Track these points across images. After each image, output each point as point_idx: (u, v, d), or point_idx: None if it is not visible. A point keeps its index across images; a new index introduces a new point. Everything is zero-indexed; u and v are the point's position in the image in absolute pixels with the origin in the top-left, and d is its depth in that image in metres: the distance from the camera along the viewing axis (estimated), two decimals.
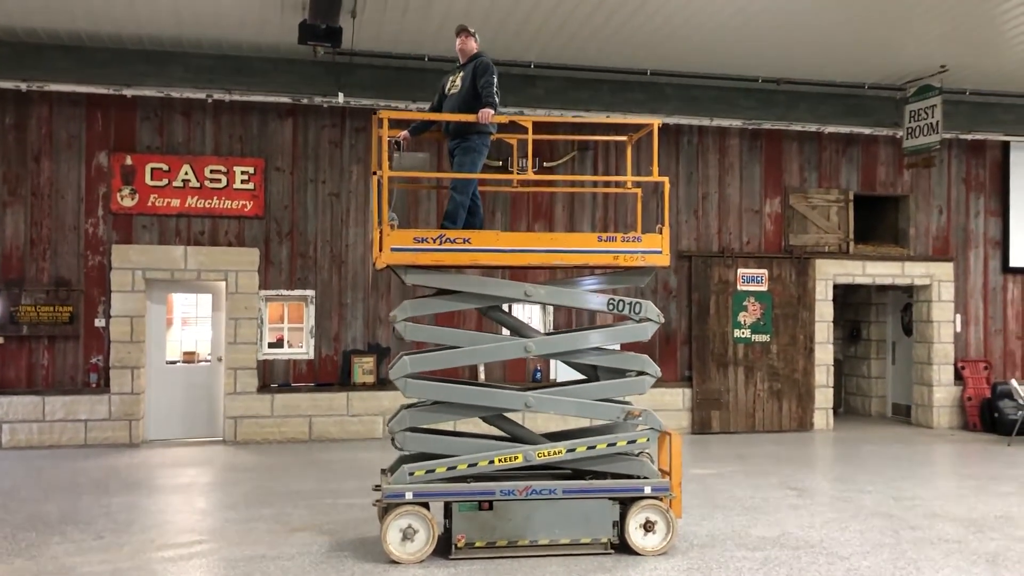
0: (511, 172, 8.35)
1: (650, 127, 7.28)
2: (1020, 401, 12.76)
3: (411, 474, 6.47)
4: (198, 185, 12.14)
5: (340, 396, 12.42)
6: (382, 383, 12.46)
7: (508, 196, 12.96)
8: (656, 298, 13.22)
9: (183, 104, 12.14)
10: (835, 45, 11.63)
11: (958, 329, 14.44)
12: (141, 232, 12.04)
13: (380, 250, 6.68)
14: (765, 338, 13.69)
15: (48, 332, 11.70)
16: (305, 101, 12.18)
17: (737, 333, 13.61)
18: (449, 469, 6.52)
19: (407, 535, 6.41)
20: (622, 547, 6.68)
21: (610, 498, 6.65)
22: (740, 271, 13.69)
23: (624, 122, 8.40)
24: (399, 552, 6.40)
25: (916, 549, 6.93)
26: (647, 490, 6.67)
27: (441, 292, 6.92)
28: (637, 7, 10.29)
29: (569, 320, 13.04)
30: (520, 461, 6.60)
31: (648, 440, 6.76)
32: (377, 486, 6.81)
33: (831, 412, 13.99)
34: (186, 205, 12.10)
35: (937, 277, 14.35)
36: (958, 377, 14.32)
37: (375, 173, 7.00)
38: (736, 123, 13.41)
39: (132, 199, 11.97)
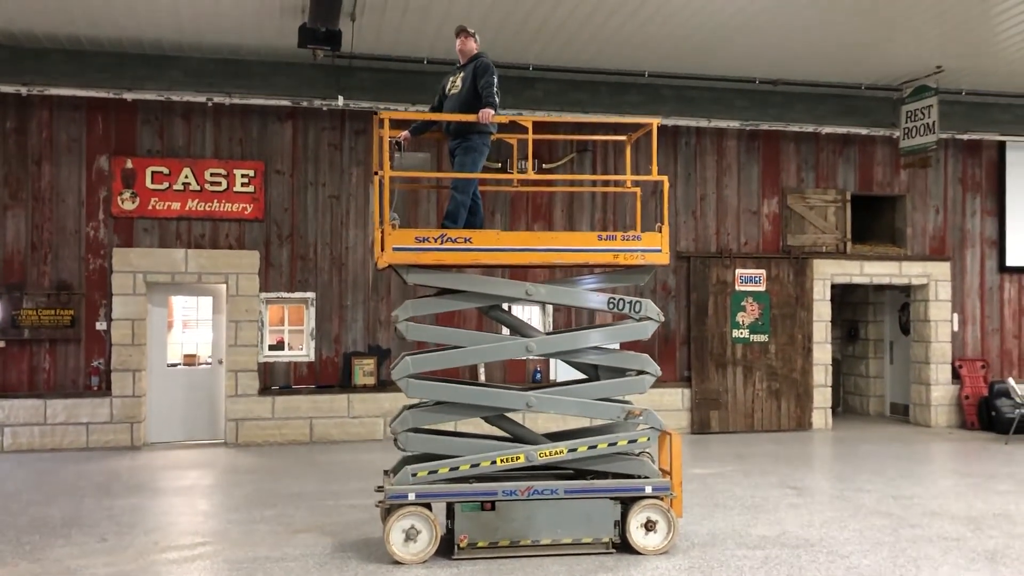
0: (511, 174, 8.38)
1: (649, 126, 7.33)
2: (1017, 400, 12.80)
3: (414, 475, 6.50)
4: (198, 188, 12.17)
5: (341, 398, 12.44)
6: (383, 385, 12.49)
7: (507, 197, 13.00)
8: (655, 299, 13.23)
9: (183, 107, 12.17)
10: (832, 46, 11.68)
11: (955, 328, 14.49)
12: (142, 235, 12.06)
13: (382, 250, 6.71)
14: (763, 338, 13.73)
15: (49, 335, 11.73)
16: (305, 104, 12.21)
17: (735, 333, 13.65)
18: (452, 470, 6.55)
19: (410, 536, 6.44)
20: (623, 546, 6.72)
21: (611, 498, 6.69)
22: (738, 271, 13.73)
23: (623, 121, 8.42)
24: (402, 553, 6.43)
25: (915, 547, 6.97)
26: (648, 490, 6.71)
27: (442, 292, 6.95)
28: (635, 8, 10.34)
29: (568, 320, 13.07)
30: (522, 461, 6.64)
31: (649, 440, 6.79)
32: (379, 487, 6.83)
33: (829, 411, 14.02)
34: (186, 208, 12.13)
35: (934, 277, 14.40)
36: (955, 376, 14.36)
37: (376, 173, 7.03)
38: (733, 124, 13.46)
39: (133, 202, 12.00)
